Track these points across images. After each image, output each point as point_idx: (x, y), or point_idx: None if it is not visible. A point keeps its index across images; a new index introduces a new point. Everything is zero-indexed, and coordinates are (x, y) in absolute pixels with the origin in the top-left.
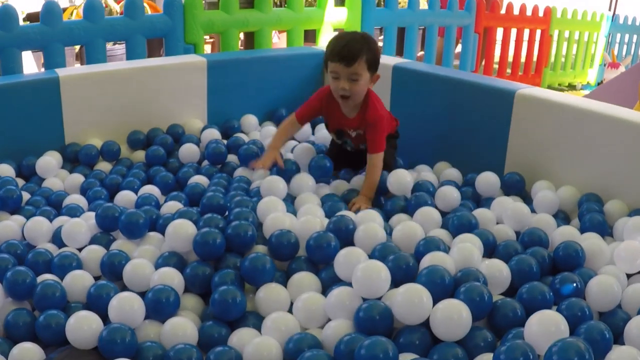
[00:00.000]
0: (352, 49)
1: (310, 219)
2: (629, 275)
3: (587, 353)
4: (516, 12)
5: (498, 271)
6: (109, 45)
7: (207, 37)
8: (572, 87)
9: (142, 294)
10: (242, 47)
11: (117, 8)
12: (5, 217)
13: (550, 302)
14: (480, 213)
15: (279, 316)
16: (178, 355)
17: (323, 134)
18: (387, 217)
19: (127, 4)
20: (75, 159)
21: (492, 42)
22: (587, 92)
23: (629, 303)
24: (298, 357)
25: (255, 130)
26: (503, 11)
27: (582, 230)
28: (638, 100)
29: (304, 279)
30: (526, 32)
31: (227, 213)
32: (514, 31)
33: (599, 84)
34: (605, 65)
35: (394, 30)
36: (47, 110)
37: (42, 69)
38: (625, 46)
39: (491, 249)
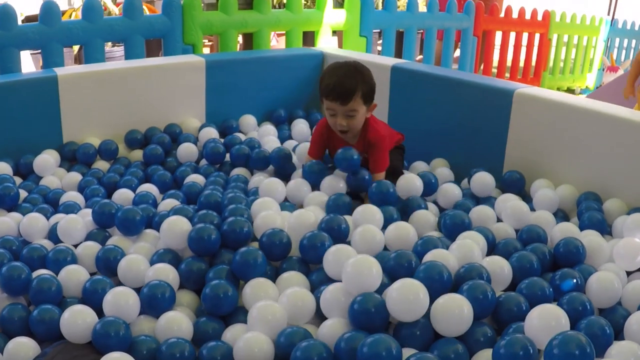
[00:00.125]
0: (347, 86)
1: (303, 213)
2: (628, 273)
3: (588, 347)
4: (515, 15)
5: (499, 268)
6: (107, 47)
7: (205, 40)
8: (570, 91)
9: (137, 290)
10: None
11: (116, 10)
12: (2, 214)
13: (550, 298)
14: (479, 211)
15: (265, 305)
16: (170, 349)
17: None
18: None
19: (126, 4)
20: (73, 157)
21: (491, 46)
22: (585, 96)
23: (629, 300)
24: (290, 351)
25: (254, 130)
26: (502, 15)
27: (582, 228)
28: (637, 102)
29: (293, 277)
30: (525, 35)
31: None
32: (512, 35)
33: (597, 88)
34: (604, 69)
35: (392, 33)
36: (45, 108)
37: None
38: (624, 50)
39: (491, 247)
